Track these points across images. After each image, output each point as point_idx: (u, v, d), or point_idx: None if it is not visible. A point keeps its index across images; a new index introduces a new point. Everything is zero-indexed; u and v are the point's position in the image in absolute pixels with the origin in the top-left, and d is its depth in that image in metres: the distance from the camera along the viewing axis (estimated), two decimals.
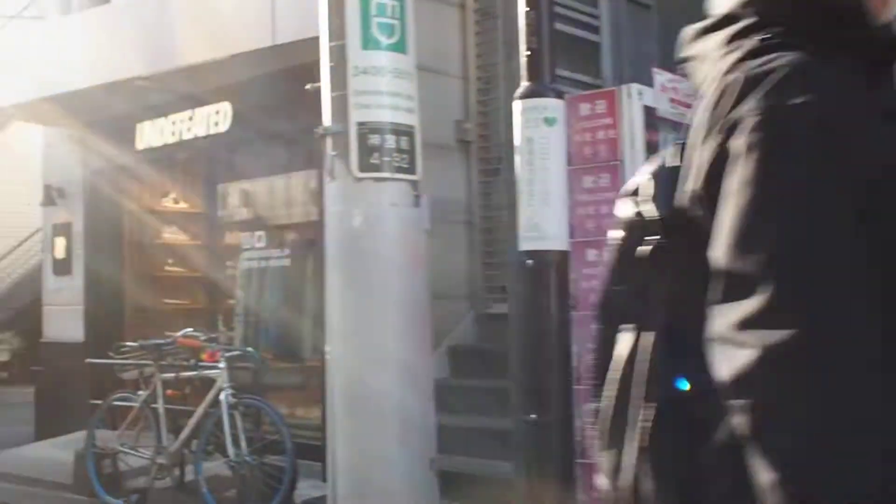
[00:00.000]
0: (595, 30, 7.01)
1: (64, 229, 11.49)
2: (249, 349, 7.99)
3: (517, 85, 5.91)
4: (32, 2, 17.95)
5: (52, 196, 11.58)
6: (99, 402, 9.07)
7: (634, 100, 5.56)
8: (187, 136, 9.92)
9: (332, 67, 5.25)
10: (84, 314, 11.23)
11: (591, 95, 5.77)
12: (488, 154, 8.59)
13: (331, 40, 5.26)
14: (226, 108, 9.48)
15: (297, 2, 8.00)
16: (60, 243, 11.52)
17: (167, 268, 11.81)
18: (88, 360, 9.37)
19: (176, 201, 11.90)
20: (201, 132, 9.76)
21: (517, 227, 5.70)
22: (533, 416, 4.78)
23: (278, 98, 8.99)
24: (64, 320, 11.52)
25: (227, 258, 10.32)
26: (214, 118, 9.60)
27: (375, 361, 5.23)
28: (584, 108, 5.62)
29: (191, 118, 9.85)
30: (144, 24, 9.58)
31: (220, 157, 10.08)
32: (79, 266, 11.34)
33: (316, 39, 7.90)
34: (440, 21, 8.45)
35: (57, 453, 10.08)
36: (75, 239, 11.37)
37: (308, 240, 9.31)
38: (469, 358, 8.17)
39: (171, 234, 11.88)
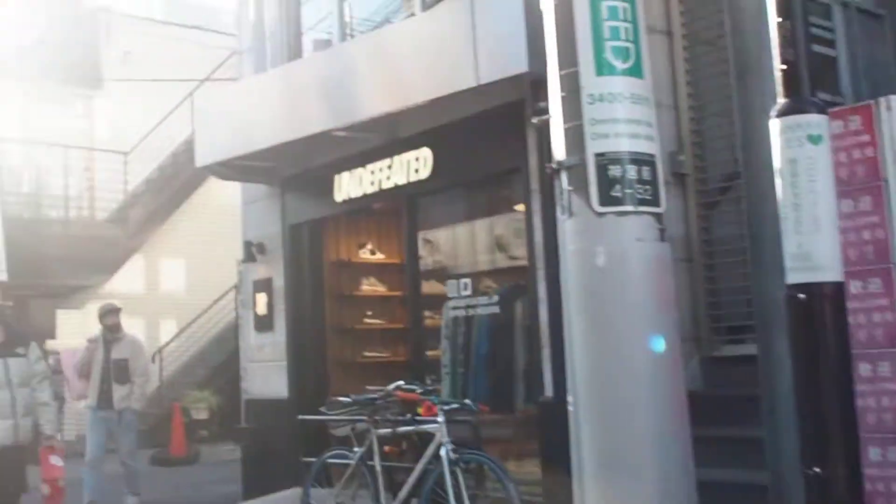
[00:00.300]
0: (830, 43, 6.47)
1: (265, 285, 11.46)
2: (467, 401, 7.64)
3: (751, 108, 5.47)
4: (224, 63, 18.48)
5: (252, 252, 11.59)
6: (309, 459, 8.90)
7: (895, 112, 5.04)
8: (387, 184, 9.72)
9: (563, 97, 4.91)
10: (287, 370, 11.14)
11: (844, 111, 5.25)
12: (706, 186, 8.10)
13: (561, 69, 4.91)
14: (426, 154, 9.25)
15: (500, 40, 7.74)
16: (262, 299, 11.50)
17: (366, 320, 11.66)
18: (301, 416, 9.22)
19: (374, 252, 11.77)
20: (401, 180, 9.55)
21: (756, 259, 5.24)
22: (816, 469, 4.27)
23: (480, 140, 8.74)
24: (267, 377, 11.46)
25: (427, 308, 10.05)
26: (414, 165, 9.37)
27: (625, 412, 4.82)
28: (836, 126, 5.11)
29: (390, 166, 9.66)
30: (339, 74, 9.49)
31: (421, 203, 9.85)
32: (280, 322, 11.28)
33: (519, 77, 7.68)
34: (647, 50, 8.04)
35: None
36: (276, 294, 11.32)
37: (517, 285, 8.97)
38: (699, 405, 7.62)
39: (370, 286, 11.74)
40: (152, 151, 19.83)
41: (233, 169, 11.21)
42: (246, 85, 11.40)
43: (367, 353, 11.56)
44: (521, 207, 8.67)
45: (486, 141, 8.69)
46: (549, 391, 8.04)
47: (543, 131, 7.68)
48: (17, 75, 18.44)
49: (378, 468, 7.87)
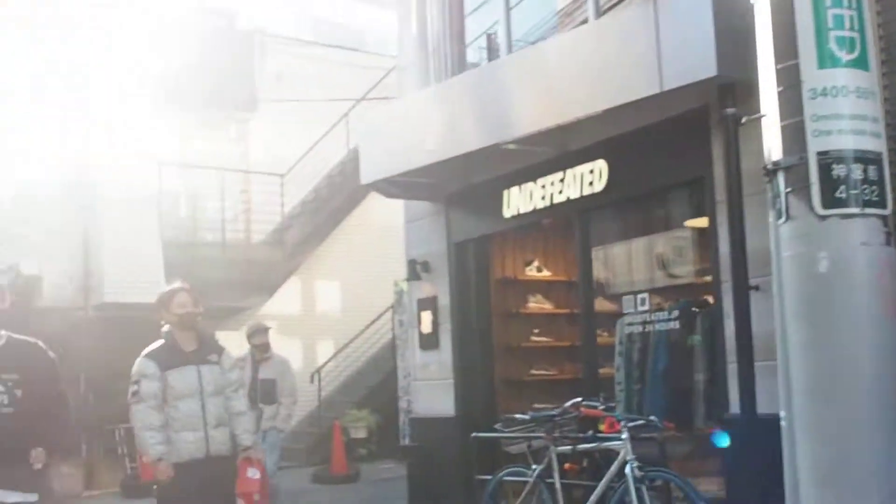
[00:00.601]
0: None
1: (429, 303, 11.36)
2: (652, 418, 7.38)
3: None
4: (379, 82, 18.65)
5: (416, 270, 11.50)
6: (484, 477, 8.72)
7: None
8: (558, 199, 9.49)
9: (780, 92, 4.65)
10: (454, 388, 11.00)
11: None
12: None
13: (778, 62, 4.66)
14: (601, 166, 9.00)
15: (686, 43, 7.46)
16: (427, 318, 11.40)
17: (533, 338, 11.47)
18: (475, 434, 9.05)
19: (543, 268, 11.57)
20: (574, 194, 9.31)
21: None
22: None
23: (660, 150, 8.48)
24: (433, 395, 11.36)
25: (597, 325, 9.78)
26: (588, 178, 9.12)
27: (850, 425, 4.52)
28: None
29: (562, 180, 9.44)
30: (506, 87, 9.33)
31: (594, 218, 9.57)
32: (446, 340, 11.15)
33: (706, 82, 7.39)
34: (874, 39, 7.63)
35: None
36: (442, 312, 11.20)
37: (698, 300, 8.66)
38: None
39: (537, 303, 11.55)
40: (307, 173, 20.05)
41: (397, 186, 11.16)
42: (409, 101, 11.36)
43: (534, 371, 11.36)
44: (703, 219, 8.37)
45: (666, 150, 8.42)
46: (734, 408, 7.71)
47: (731, 138, 7.44)
48: (174, 100, 18.84)
49: (558, 486, 7.68)
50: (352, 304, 20.04)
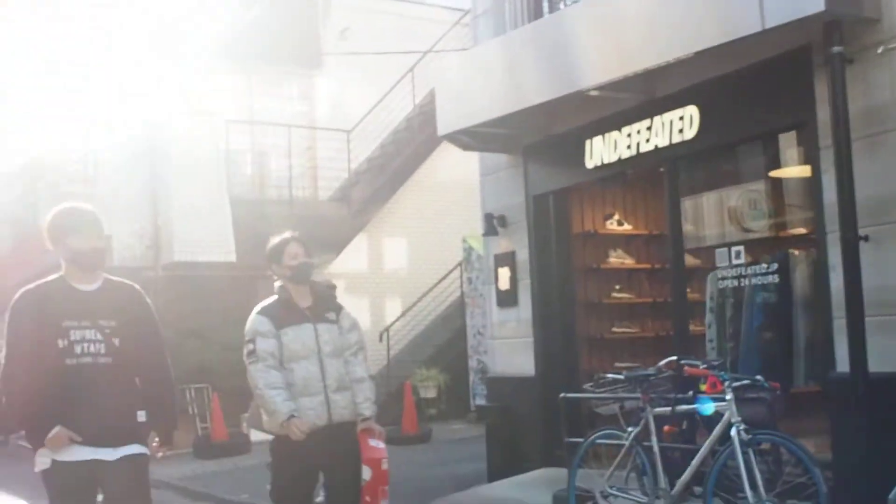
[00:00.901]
0: None
1: (507, 259, 10.97)
2: (758, 377, 6.95)
3: None
4: (445, 36, 18.25)
5: (493, 225, 11.11)
6: (574, 439, 8.37)
7: None
8: (645, 147, 9.03)
9: None
10: (534, 346, 10.63)
11: None
12: None
13: None
14: (692, 111, 8.52)
15: None
16: (504, 274, 11.02)
17: (615, 294, 11.07)
18: (564, 394, 8.66)
19: (626, 221, 11.15)
20: (662, 142, 8.83)
21: None
22: None
23: (757, 94, 8.00)
24: (511, 354, 11.00)
25: (686, 280, 9.34)
26: (678, 125, 8.64)
27: None
28: None
29: (649, 128, 8.96)
30: (591, 30, 8.86)
31: (684, 167, 9.11)
32: (525, 297, 10.75)
33: (811, 18, 6.88)
34: None
35: (521, 493, 9.55)
36: (520, 268, 10.82)
37: (798, 252, 8.21)
38: None
39: (618, 258, 11.14)
40: (373, 129, 19.76)
41: (474, 137, 10.72)
42: (486, 49, 10.86)
43: (615, 329, 10.99)
44: (804, 167, 7.90)
45: (763, 94, 7.92)
46: (842, 366, 7.27)
47: (838, 79, 6.96)
48: (239, 57, 18.62)
49: (656, 449, 7.30)
50: (419, 261, 19.77)
